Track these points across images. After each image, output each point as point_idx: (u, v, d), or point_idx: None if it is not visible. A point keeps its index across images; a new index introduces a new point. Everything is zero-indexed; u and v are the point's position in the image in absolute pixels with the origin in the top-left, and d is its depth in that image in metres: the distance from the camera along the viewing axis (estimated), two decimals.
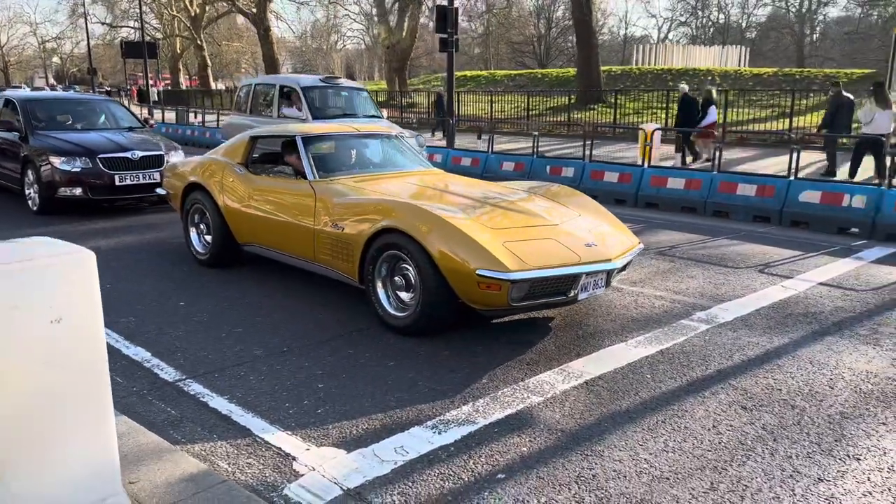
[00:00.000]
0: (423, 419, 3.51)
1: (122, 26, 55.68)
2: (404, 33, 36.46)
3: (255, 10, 43.62)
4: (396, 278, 4.70)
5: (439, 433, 3.37)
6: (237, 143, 6.34)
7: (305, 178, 5.54)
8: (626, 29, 67.36)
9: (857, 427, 3.45)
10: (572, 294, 4.46)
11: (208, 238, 6.35)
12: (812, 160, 14.28)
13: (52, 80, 75.61)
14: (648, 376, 4.05)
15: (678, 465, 3.10)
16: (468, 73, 42.30)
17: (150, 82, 37.35)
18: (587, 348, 4.48)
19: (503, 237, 4.47)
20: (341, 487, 2.92)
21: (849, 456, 3.18)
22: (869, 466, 3.09)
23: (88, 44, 46.38)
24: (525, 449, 3.24)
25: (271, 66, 44.83)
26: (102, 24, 55.80)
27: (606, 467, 3.07)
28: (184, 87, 55.22)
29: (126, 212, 9.19)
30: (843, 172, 12.20)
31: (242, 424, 3.46)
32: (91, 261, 2.23)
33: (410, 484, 2.94)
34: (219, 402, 3.70)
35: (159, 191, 7.21)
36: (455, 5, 18.44)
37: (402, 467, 3.07)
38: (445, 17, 17.84)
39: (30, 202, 8.91)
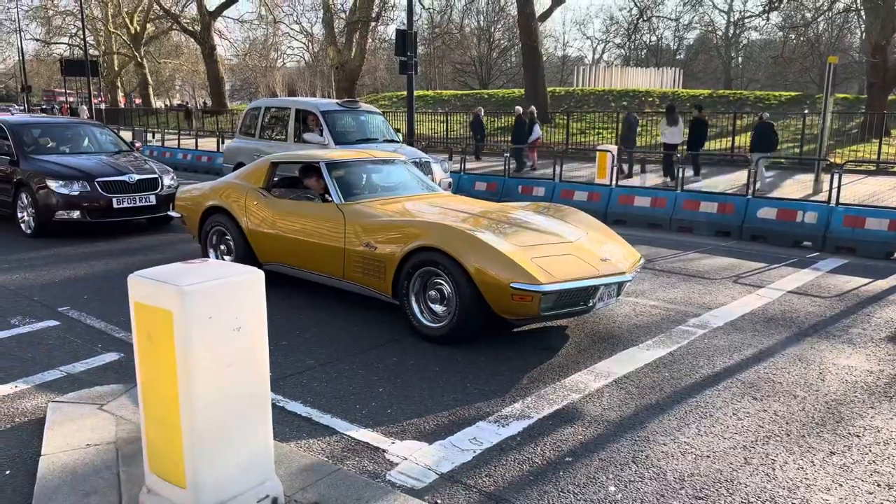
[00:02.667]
0: (483, 415, 3.97)
1: (56, 42, 54.25)
2: (353, 54, 36.91)
3: (198, 29, 43.40)
4: (431, 292, 5.14)
5: (503, 426, 3.83)
6: (258, 168, 6.71)
7: (331, 201, 5.96)
8: (564, 50, 69.46)
9: (851, 411, 4.09)
10: (591, 304, 4.98)
11: (228, 259, 6.65)
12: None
13: None
14: (667, 374, 4.61)
15: (713, 445, 3.64)
16: (416, 92, 42.95)
17: (93, 101, 36.53)
18: (605, 352, 5.02)
19: (529, 253, 4.95)
20: (436, 472, 3.34)
21: (850, 433, 3.80)
22: (868, 441, 3.71)
23: (22, 60, 45.14)
24: (581, 437, 3.73)
25: (216, 84, 44.56)
26: (36, 40, 54.20)
27: (655, 449, 3.60)
28: (121, 106, 54.13)
29: (119, 233, 9.31)
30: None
31: (325, 424, 3.84)
32: (261, 279, 2.63)
33: (493, 468, 3.39)
34: (296, 406, 4.07)
35: (173, 214, 7.45)
36: (413, 30, 19.04)
37: (482, 455, 3.52)
38: (405, 41, 18.41)
39: (23, 225, 8.96)
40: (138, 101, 54.43)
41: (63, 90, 57.98)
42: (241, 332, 2.56)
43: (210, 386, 2.50)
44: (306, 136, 10.29)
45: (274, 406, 4.05)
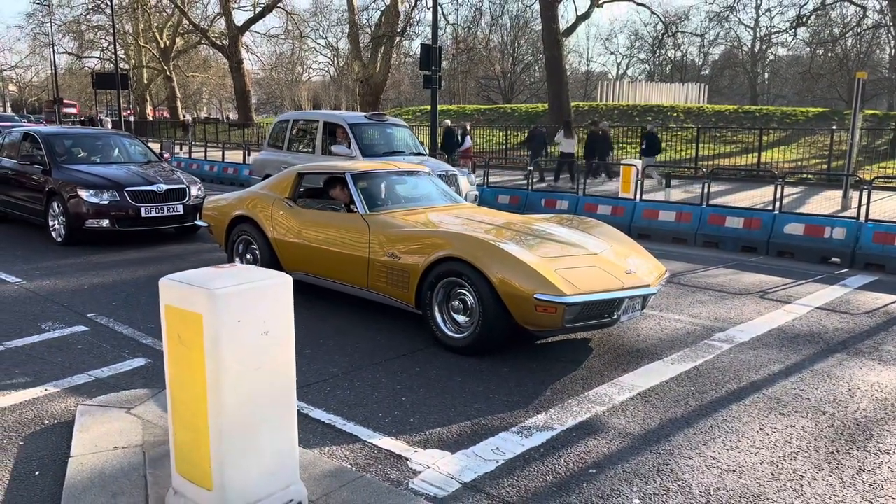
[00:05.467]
0: (506, 426, 3.96)
1: (87, 56, 55.47)
2: (378, 68, 37.27)
3: (226, 43, 44.11)
4: (455, 303, 5.15)
5: (526, 437, 3.82)
6: (284, 179, 6.78)
7: (356, 211, 6.02)
8: (588, 65, 69.45)
9: (881, 428, 4.01)
10: (615, 316, 4.96)
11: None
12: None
13: (9, 110, 74.34)
14: (692, 388, 4.56)
15: (740, 460, 3.60)
16: (439, 107, 43.22)
17: (123, 113, 37.22)
18: (630, 365, 4.99)
19: (553, 264, 4.94)
20: (458, 481, 3.34)
21: (880, 451, 3.73)
22: None
23: (55, 74, 46.13)
24: (605, 449, 3.70)
25: (242, 97, 45.18)
26: (69, 54, 55.43)
27: (680, 463, 3.56)
28: (150, 118, 55.10)
29: (147, 242, 9.45)
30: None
31: (349, 432, 3.86)
32: (289, 284, 2.66)
33: (516, 478, 3.38)
34: (319, 414, 4.09)
35: (200, 223, 7.58)
36: (438, 44, 19.19)
37: (505, 465, 3.51)
38: (429, 56, 18.55)
39: (54, 233, 9.12)
40: (166, 113, 55.35)
41: (73, 101, 59.15)
42: (268, 337, 2.59)
43: (237, 389, 2.53)
44: (334, 148, 10.33)
45: (298, 413, 4.08)
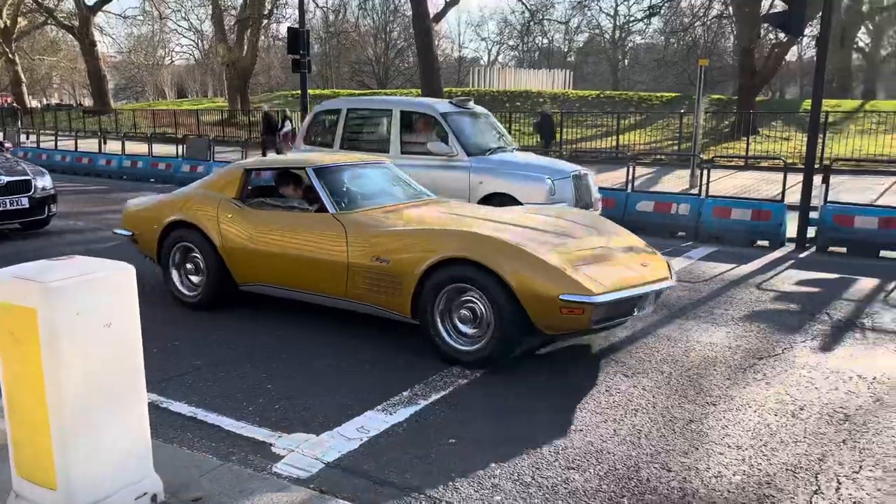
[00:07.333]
0: (372, 405, 4.05)
1: None
2: (244, 52, 36.03)
3: (76, 24, 41.07)
4: (463, 312, 4.59)
5: (390, 414, 3.94)
6: (227, 176, 5.97)
7: (322, 210, 5.36)
8: (460, 51, 70.35)
9: (710, 382, 4.45)
10: (636, 313, 4.63)
11: (194, 279, 5.94)
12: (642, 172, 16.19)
13: None
14: (547, 360, 4.86)
15: (586, 420, 3.89)
16: (311, 91, 42.47)
17: None
18: None
19: (571, 261, 4.52)
20: (322, 462, 3.41)
21: (707, 402, 4.14)
22: (723, 408, 4.06)
23: None
24: (464, 420, 3.89)
25: (97, 82, 42.30)
26: None
27: (534, 427, 3.80)
28: None
29: None
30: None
31: (211, 423, 3.82)
32: (132, 274, 2.61)
33: (379, 453, 3.49)
34: (180, 407, 4.02)
35: (121, 232, 6.49)
36: (306, 28, 18.86)
37: (368, 442, 3.61)
38: (297, 39, 18.20)
39: None
40: (9, 99, 50.85)
41: None
42: (111, 329, 2.53)
43: (79, 384, 2.46)
44: (431, 145, 8.41)
45: (157, 407, 4.01)
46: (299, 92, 20.65)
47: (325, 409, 3.99)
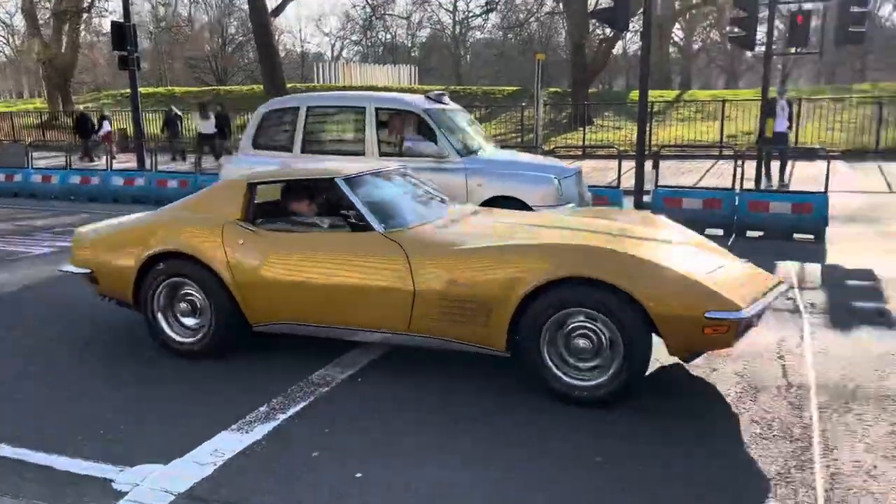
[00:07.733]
0: (226, 424, 3.79)
1: None
2: (63, 48, 33.10)
3: None
4: (580, 342, 3.88)
5: (247, 433, 3.71)
6: (224, 195, 4.97)
7: (362, 229, 4.51)
8: (303, 46, 68.79)
9: None
10: (756, 325, 4.05)
11: (188, 321, 4.88)
12: None
13: None
14: (427, 357, 4.81)
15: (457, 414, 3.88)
16: (143, 90, 39.77)
17: None
18: (352, 343, 5.04)
19: (705, 273, 3.95)
20: (172, 493, 3.13)
21: None
22: None
23: None
24: (328, 431, 3.74)
25: None
26: None
27: (386, 430, 3.73)
28: None
29: None
30: None
31: (39, 464, 3.41)
32: None
33: (236, 477, 3.27)
34: (2, 449, 3.56)
35: (72, 269, 5.22)
36: (132, 22, 17.60)
37: (224, 466, 3.38)
38: (122, 34, 16.95)
39: None
40: None
41: None
42: None
43: None
44: (419, 146, 7.55)
45: None
46: (129, 91, 19.16)
47: (175, 435, 3.69)
